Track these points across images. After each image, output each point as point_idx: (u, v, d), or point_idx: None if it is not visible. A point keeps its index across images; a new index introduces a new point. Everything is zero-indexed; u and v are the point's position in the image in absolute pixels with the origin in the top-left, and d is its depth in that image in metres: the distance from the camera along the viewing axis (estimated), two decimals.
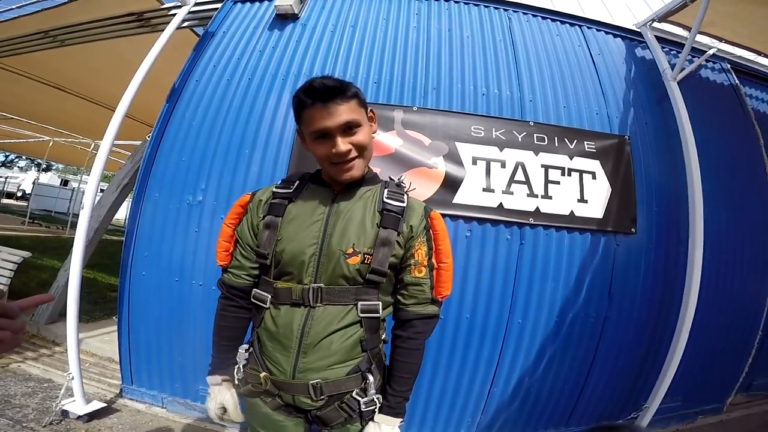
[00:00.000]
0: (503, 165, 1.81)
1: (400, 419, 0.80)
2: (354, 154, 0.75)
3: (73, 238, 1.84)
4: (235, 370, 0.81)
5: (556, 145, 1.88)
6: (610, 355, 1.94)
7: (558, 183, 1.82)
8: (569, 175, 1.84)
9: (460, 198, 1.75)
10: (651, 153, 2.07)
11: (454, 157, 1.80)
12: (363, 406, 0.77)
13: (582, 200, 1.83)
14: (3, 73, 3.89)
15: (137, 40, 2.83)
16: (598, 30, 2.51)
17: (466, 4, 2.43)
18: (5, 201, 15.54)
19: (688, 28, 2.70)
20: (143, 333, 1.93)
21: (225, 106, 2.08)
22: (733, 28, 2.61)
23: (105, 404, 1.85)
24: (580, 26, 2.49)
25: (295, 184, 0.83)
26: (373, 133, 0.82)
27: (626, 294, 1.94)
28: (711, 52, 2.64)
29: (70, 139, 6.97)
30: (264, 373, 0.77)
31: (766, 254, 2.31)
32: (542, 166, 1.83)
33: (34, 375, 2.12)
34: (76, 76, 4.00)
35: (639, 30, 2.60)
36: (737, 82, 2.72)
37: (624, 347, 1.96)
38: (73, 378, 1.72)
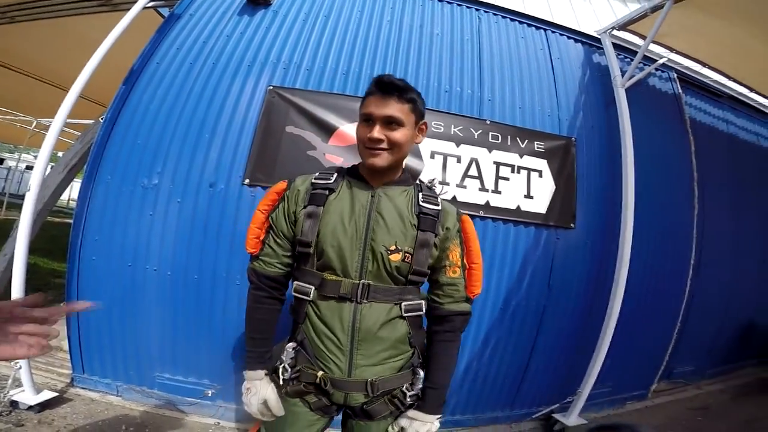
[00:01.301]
0: (459, 160, 1.88)
1: (437, 416, 0.81)
2: (385, 145, 0.78)
3: (10, 219, 1.71)
4: (281, 369, 0.79)
5: (509, 143, 1.97)
6: (549, 343, 2.07)
7: (507, 179, 1.92)
8: (518, 172, 1.94)
9: None
10: (594, 154, 2.21)
11: (414, 150, 1.85)
12: (408, 400, 0.80)
13: (528, 196, 1.94)
14: None
15: (95, 19, 2.64)
16: (561, 34, 2.58)
17: (440, 1, 2.43)
18: None
19: (643, 37, 2.83)
20: (94, 320, 1.83)
21: (186, 89, 1.98)
22: (684, 39, 2.73)
23: (56, 394, 1.76)
24: (545, 30, 2.55)
25: (334, 176, 0.85)
26: (417, 142, 0.87)
27: (564, 285, 2.07)
28: (661, 61, 2.77)
29: (8, 117, 6.40)
30: (321, 372, 0.77)
31: (687, 252, 2.52)
32: (494, 162, 1.92)
33: None
34: (22, 53, 3.69)
35: (599, 36, 2.70)
36: (680, 91, 2.90)
37: (561, 336, 2.09)
38: (20, 368, 1.63)
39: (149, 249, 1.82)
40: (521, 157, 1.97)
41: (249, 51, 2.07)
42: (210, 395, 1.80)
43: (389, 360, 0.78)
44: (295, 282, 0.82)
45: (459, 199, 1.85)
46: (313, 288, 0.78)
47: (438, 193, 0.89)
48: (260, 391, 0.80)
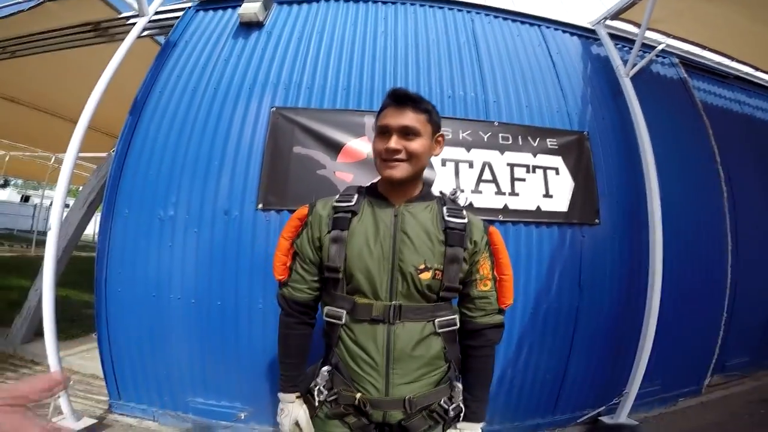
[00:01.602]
0: (471, 165, 1.81)
1: (482, 422, 0.83)
2: (402, 156, 0.77)
3: (41, 256, 1.73)
4: (316, 391, 0.79)
5: (521, 143, 1.90)
6: (586, 344, 1.97)
7: (524, 180, 1.84)
8: (534, 172, 1.87)
9: None
10: (609, 146, 2.13)
11: None
12: (451, 413, 0.79)
13: (547, 195, 1.86)
14: None
15: (97, 50, 2.67)
16: (555, 29, 2.55)
17: (431, 7, 2.42)
18: None
19: (638, 25, 2.80)
20: (125, 348, 1.86)
21: (191, 117, 1.99)
22: (680, 24, 2.71)
23: (96, 420, 1.79)
24: (539, 26, 2.52)
25: (355, 198, 0.83)
26: (435, 154, 0.85)
27: (595, 283, 1.98)
28: (660, 47, 2.73)
29: (28, 153, 6.55)
30: (360, 394, 0.76)
31: (722, 238, 2.39)
32: (508, 164, 1.85)
33: None
34: (31, 87, 3.76)
35: (593, 28, 2.66)
36: (685, 75, 2.84)
37: (599, 335, 2.00)
38: (59, 397, 1.64)
39: (171, 279, 1.83)
40: (535, 156, 1.90)
41: (248, 74, 2.06)
42: (243, 418, 1.78)
43: (426, 376, 0.77)
44: (326, 307, 0.82)
45: (476, 205, 1.77)
46: (345, 312, 0.78)
47: (462, 204, 0.87)
48: (292, 412, 0.82)
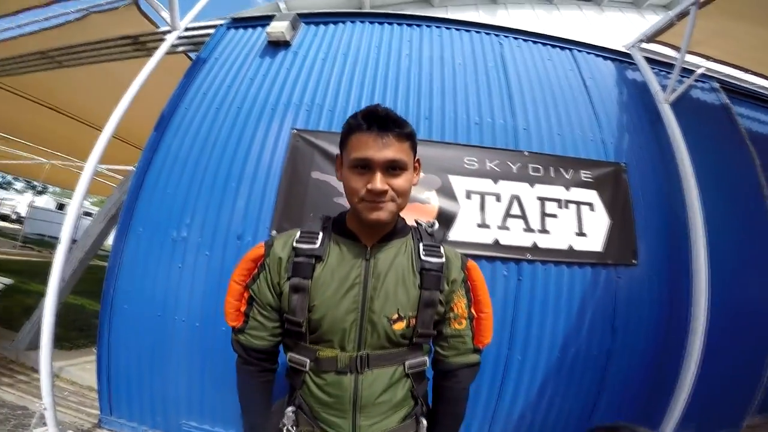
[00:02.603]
0: (498, 198, 1.66)
1: None
2: (390, 196, 0.66)
3: None
4: (284, 431, 0.72)
5: (552, 175, 1.74)
6: (617, 387, 1.79)
7: (555, 216, 1.68)
8: (566, 207, 1.70)
9: (454, 234, 1.60)
10: (648, 179, 1.94)
11: (447, 191, 1.66)
12: None
13: (581, 233, 1.68)
14: (2, 93, 3.75)
15: (135, 64, 2.71)
16: (588, 53, 2.40)
17: (457, 30, 2.32)
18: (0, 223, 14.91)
19: (675, 48, 2.61)
20: (123, 365, 1.80)
21: (213, 136, 1.94)
22: (719, 47, 2.53)
23: None
24: (570, 50, 2.38)
25: (319, 238, 0.72)
26: (414, 184, 0.72)
27: (630, 326, 1.79)
28: (700, 71, 2.53)
29: (66, 162, 6.76)
30: None
31: None
32: (538, 198, 1.69)
33: (8, 401, 1.97)
34: (73, 98, 3.88)
35: (628, 51, 2.50)
36: (727, 101, 2.61)
37: (632, 379, 1.81)
38: (45, 408, 1.57)
39: (178, 300, 1.77)
40: (568, 189, 1.73)
41: (272, 94, 2.01)
42: None
43: (393, 415, 0.71)
44: (289, 352, 0.73)
45: (501, 242, 1.62)
46: (309, 360, 0.70)
47: (440, 238, 0.80)
48: None
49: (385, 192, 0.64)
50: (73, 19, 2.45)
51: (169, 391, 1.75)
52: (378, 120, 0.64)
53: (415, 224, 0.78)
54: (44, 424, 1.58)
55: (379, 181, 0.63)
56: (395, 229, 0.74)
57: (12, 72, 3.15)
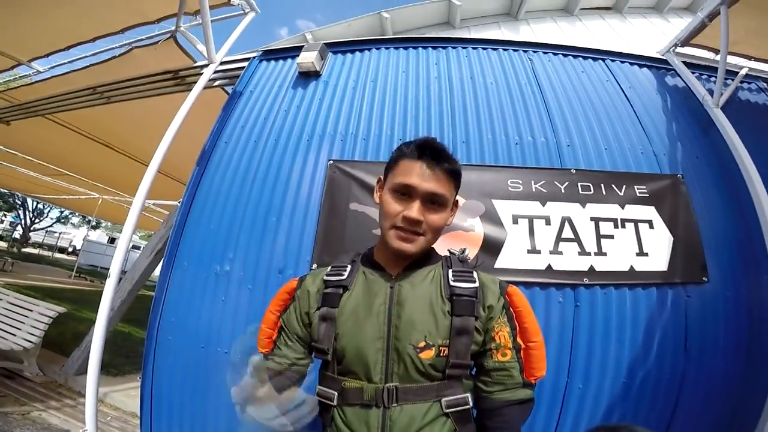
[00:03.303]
0: (548, 222, 1.56)
1: None
2: (422, 229, 0.66)
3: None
4: None
5: (604, 193, 1.62)
6: (693, 411, 1.60)
7: (612, 237, 1.55)
8: (623, 226, 1.57)
9: (502, 262, 1.51)
10: (710, 189, 1.78)
11: (492, 217, 1.58)
12: None
13: (641, 253, 1.55)
14: (58, 128, 4.00)
15: (176, 98, 2.84)
16: (622, 62, 2.30)
17: (484, 49, 2.29)
18: (58, 255, 16.07)
19: (711, 50, 2.49)
20: (166, 394, 1.80)
21: (252, 169, 1.97)
22: (759, 45, 2.39)
23: None
24: (603, 59, 2.29)
25: (348, 270, 0.73)
26: (447, 224, 0.72)
27: (706, 346, 1.62)
28: (744, 71, 2.38)
29: (117, 197, 7.20)
30: None
31: None
32: (591, 219, 1.57)
33: (53, 424, 2.03)
34: (121, 133, 4.09)
35: (664, 57, 2.38)
36: None
37: (710, 401, 1.61)
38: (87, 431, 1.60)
39: (221, 333, 1.76)
40: (623, 207, 1.61)
41: (307, 124, 2.04)
42: None
43: None
44: (318, 386, 0.71)
45: (554, 267, 1.51)
46: (336, 393, 0.67)
47: (475, 264, 0.74)
48: None
49: (419, 223, 0.65)
50: (118, 55, 2.62)
51: (209, 423, 1.73)
52: (432, 151, 0.66)
53: (447, 253, 0.76)
54: None
55: (416, 210, 0.64)
56: (423, 257, 0.72)
57: (65, 108, 3.38)
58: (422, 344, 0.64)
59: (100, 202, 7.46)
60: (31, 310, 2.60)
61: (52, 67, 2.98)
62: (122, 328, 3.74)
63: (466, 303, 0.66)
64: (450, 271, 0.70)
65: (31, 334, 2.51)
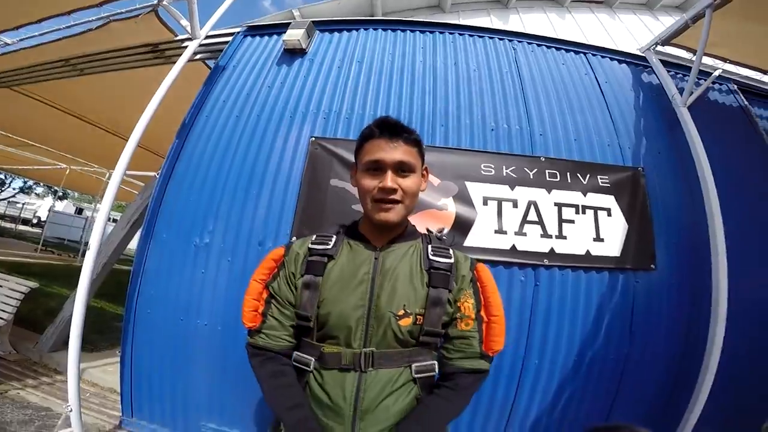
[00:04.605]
0: (515, 204, 1.64)
1: None
2: (398, 196, 0.70)
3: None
4: None
5: (569, 181, 1.71)
6: (635, 390, 1.75)
7: (572, 222, 1.65)
8: (584, 212, 1.66)
9: (471, 240, 1.59)
10: (667, 183, 1.88)
11: (464, 198, 1.64)
12: None
13: (598, 239, 1.65)
14: (25, 99, 3.83)
15: (154, 71, 2.74)
16: (602, 57, 2.35)
17: (470, 36, 2.29)
18: (21, 227, 14.82)
19: (691, 50, 2.55)
20: (146, 368, 1.82)
21: (234, 143, 1.96)
22: (736, 48, 2.46)
23: None
24: (584, 53, 2.33)
25: (333, 240, 0.76)
26: (422, 190, 0.76)
27: (649, 331, 1.75)
28: (717, 73, 2.46)
29: (86, 168, 6.87)
30: None
31: None
32: (555, 204, 1.66)
33: (32, 403, 2.00)
34: (93, 105, 3.94)
35: (643, 54, 2.44)
36: (746, 103, 2.52)
37: (650, 382, 1.77)
38: (71, 410, 1.59)
39: (201, 305, 1.78)
40: (585, 195, 1.69)
41: (290, 101, 2.02)
42: None
43: (394, 426, 0.67)
44: (295, 352, 0.73)
45: (518, 248, 1.60)
46: (313, 359, 0.70)
47: (450, 242, 0.80)
48: None
49: (395, 190, 0.69)
50: (95, 28, 2.49)
51: (190, 394, 1.77)
52: (389, 127, 0.71)
53: (426, 231, 0.81)
54: (69, 425, 1.60)
55: (389, 179, 0.68)
56: (405, 232, 0.77)
57: (35, 79, 3.20)
58: (401, 312, 0.68)
59: (68, 173, 7.09)
60: (1, 286, 2.48)
61: (22, 40, 2.79)
62: (94, 303, 3.60)
63: (442, 276, 0.71)
64: (429, 246, 0.75)
65: (2, 310, 2.41)
